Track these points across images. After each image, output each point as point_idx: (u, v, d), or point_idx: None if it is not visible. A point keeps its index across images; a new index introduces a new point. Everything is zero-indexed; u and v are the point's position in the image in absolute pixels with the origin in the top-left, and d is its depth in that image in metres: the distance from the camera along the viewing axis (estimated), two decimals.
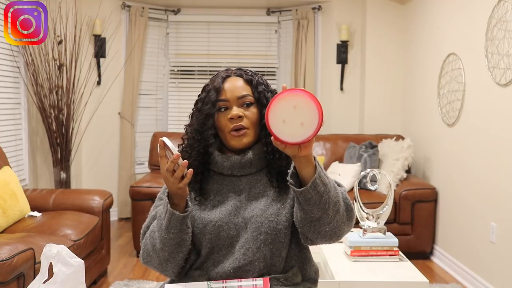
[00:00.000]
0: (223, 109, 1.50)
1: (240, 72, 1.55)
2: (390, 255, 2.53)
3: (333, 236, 1.44)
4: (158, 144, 1.36)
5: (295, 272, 1.51)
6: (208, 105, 1.49)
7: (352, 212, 1.46)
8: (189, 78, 5.57)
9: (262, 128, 1.51)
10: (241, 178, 1.52)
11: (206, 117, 1.49)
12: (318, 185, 1.33)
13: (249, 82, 1.52)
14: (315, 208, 1.35)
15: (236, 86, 1.51)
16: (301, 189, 1.33)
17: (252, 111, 1.50)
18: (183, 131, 1.61)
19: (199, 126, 1.51)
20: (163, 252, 1.43)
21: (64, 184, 4.44)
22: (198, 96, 1.56)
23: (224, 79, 1.53)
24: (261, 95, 1.51)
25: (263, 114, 1.49)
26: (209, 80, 1.57)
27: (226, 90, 1.50)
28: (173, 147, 1.32)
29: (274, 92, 1.56)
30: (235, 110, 1.48)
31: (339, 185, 1.50)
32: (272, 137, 1.29)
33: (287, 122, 1.25)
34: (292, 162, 1.41)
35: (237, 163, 1.50)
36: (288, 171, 1.42)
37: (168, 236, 1.41)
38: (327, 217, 1.38)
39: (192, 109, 1.56)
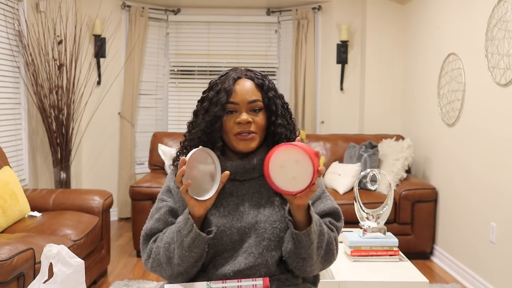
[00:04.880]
0: (231, 112, 1.47)
1: (251, 75, 1.51)
2: (390, 255, 2.53)
3: (310, 273, 1.49)
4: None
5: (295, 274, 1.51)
6: (217, 107, 1.46)
7: (331, 256, 1.48)
8: (189, 78, 5.57)
9: (268, 134, 1.50)
10: (243, 182, 1.50)
11: (214, 119, 1.46)
12: (312, 233, 1.37)
13: (259, 86, 1.50)
14: (303, 250, 1.40)
15: (247, 90, 1.48)
16: (296, 231, 1.37)
17: (261, 117, 1.48)
18: (183, 131, 1.59)
19: (206, 128, 1.48)
20: (180, 267, 1.41)
21: (64, 184, 4.44)
22: (204, 93, 1.53)
23: (235, 80, 1.49)
24: (271, 101, 1.49)
25: (271, 120, 1.49)
26: (217, 78, 1.53)
27: (237, 93, 1.47)
28: (189, 155, 1.33)
29: (281, 98, 1.54)
30: (244, 115, 1.45)
31: (332, 225, 1.51)
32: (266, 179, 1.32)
33: (283, 171, 1.30)
34: None
35: (241, 168, 1.49)
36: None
37: (189, 255, 1.38)
38: (312, 260, 1.42)
39: (197, 106, 1.53)
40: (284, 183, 1.30)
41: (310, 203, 1.39)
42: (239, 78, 1.50)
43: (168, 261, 1.42)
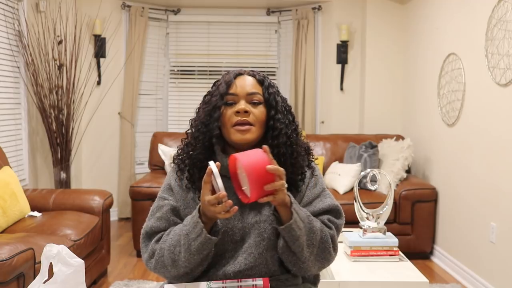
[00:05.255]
0: (230, 103, 1.48)
1: (253, 73, 1.55)
2: (390, 255, 2.53)
3: (306, 272, 1.48)
4: (207, 169, 1.33)
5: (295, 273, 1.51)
6: (217, 97, 1.48)
7: (328, 255, 1.47)
8: (189, 78, 5.57)
9: (268, 130, 1.50)
10: None
11: (213, 108, 1.48)
12: (294, 229, 1.38)
13: (260, 82, 1.52)
14: (290, 244, 1.41)
15: (247, 83, 1.50)
16: (277, 226, 1.40)
17: (260, 110, 1.49)
18: (183, 131, 1.60)
19: (205, 118, 1.49)
20: (186, 268, 1.42)
21: (64, 184, 4.44)
22: (208, 91, 1.56)
23: (237, 75, 1.52)
24: (271, 96, 1.50)
25: (270, 115, 1.49)
26: (221, 76, 1.56)
27: (236, 85, 1.50)
28: (220, 182, 1.29)
29: (284, 99, 1.55)
30: (242, 105, 1.47)
31: (330, 222, 1.50)
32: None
33: (242, 175, 1.35)
34: (298, 171, 1.49)
35: None
36: (299, 176, 1.50)
37: (197, 257, 1.39)
38: (302, 256, 1.42)
39: (200, 103, 1.55)
40: (243, 183, 1.34)
41: (292, 201, 1.39)
42: (240, 74, 1.53)
43: (173, 263, 1.42)
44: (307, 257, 1.43)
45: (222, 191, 1.28)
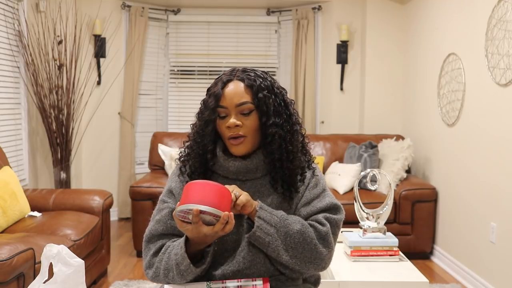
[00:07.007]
0: (223, 117, 1.48)
1: (242, 76, 1.48)
2: (390, 255, 2.53)
3: (302, 274, 1.49)
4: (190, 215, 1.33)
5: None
6: (208, 112, 1.48)
7: (316, 253, 1.44)
8: (189, 78, 5.57)
9: (263, 136, 1.49)
10: (245, 182, 1.51)
11: (205, 123, 1.48)
12: (260, 237, 1.40)
13: (250, 87, 1.47)
14: (265, 251, 1.44)
15: (235, 93, 1.46)
16: (246, 235, 1.43)
17: (251, 119, 1.47)
18: (183, 131, 1.61)
19: (200, 130, 1.50)
20: (180, 283, 1.45)
21: (64, 184, 4.44)
22: (203, 99, 1.55)
23: (225, 84, 1.48)
24: (261, 101, 1.46)
25: (262, 121, 1.47)
26: (214, 80, 1.54)
27: (225, 96, 1.46)
28: (210, 208, 1.30)
29: (279, 95, 1.50)
30: (232, 119, 1.45)
31: (326, 219, 1.49)
32: None
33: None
34: (297, 172, 1.49)
35: (243, 168, 1.49)
36: (298, 177, 1.51)
37: (191, 278, 1.42)
38: (281, 259, 1.43)
39: (199, 108, 1.55)
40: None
41: (258, 207, 1.41)
42: (229, 80, 1.49)
43: (169, 283, 1.46)
44: (288, 261, 1.42)
45: (218, 214, 1.30)
